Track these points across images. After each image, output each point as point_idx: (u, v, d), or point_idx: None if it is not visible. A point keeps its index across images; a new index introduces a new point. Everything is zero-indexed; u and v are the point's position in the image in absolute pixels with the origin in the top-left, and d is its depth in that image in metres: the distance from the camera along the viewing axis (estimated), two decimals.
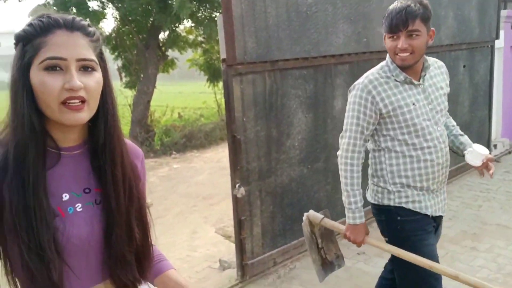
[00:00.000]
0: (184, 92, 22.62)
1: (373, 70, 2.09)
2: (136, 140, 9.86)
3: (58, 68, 0.95)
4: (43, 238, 0.94)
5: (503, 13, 6.07)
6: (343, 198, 2.12)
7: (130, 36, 11.15)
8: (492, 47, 5.76)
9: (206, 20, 9.95)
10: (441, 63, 2.22)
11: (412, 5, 1.90)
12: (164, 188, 6.59)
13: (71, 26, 0.98)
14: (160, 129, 10.30)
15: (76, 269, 1.01)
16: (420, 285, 2.05)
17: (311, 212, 2.32)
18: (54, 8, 9.72)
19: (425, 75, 2.05)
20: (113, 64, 11.65)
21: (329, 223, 2.25)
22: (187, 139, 9.53)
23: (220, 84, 10.07)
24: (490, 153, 2.15)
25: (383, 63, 2.09)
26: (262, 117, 3.35)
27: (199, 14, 10.10)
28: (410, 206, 2.04)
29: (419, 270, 1.95)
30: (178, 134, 9.68)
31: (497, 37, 5.75)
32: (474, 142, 2.17)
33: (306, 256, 3.72)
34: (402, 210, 2.04)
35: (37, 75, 0.95)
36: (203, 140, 9.62)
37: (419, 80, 2.04)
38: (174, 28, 11.01)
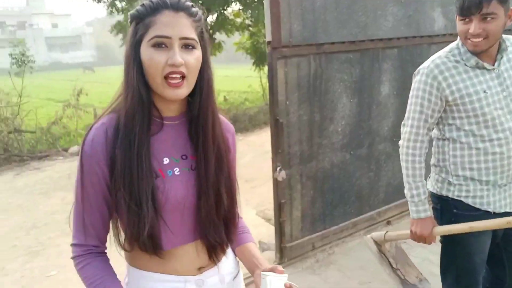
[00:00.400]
0: (230, 75, 22.79)
1: (441, 53, 1.91)
2: None
3: (163, 45, 1.05)
4: (142, 195, 1.07)
5: None
6: (405, 191, 1.99)
7: None
8: None
9: (255, 3, 9.93)
10: None
11: None
12: None
13: (176, 7, 1.07)
14: None
15: (171, 226, 1.13)
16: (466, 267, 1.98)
17: (373, 233, 2.27)
18: None
19: (502, 58, 1.84)
20: None
21: (393, 234, 2.16)
22: (232, 122, 9.53)
23: (266, 68, 10.05)
24: None
25: (452, 45, 1.90)
26: (306, 101, 3.32)
27: None
28: (469, 201, 1.91)
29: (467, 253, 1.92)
30: (225, 117, 9.78)
31: None
32: None
33: (345, 242, 3.71)
34: (460, 204, 1.92)
35: (146, 51, 1.06)
36: (247, 124, 9.69)
37: (493, 64, 1.84)
38: (222, 11, 11.06)
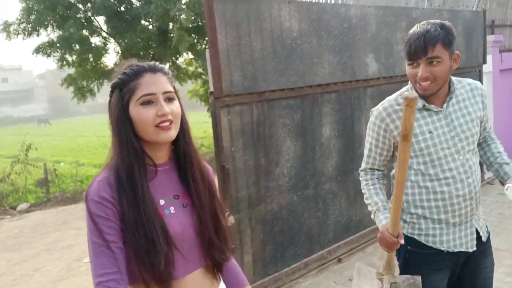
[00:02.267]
0: None
1: (392, 96, 1.99)
2: None
3: (151, 102, 1.26)
4: (153, 234, 1.22)
5: (490, 38, 6.24)
6: (368, 208, 2.04)
7: None
8: (480, 72, 5.88)
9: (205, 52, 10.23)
10: (476, 84, 2.00)
11: (432, 29, 1.75)
12: None
13: (154, 69, 1.30)
14: None
15: (178, 256, 1.28)
16: None
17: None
18: (58, 45, 10.05)
19: (450, 99, 1.89)
20: None
21: (384, 260, 2.01)
22: None
23: None
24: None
25: (403, 88, 1.99)
26: (251, 147, 3.44)
27: (198, 47, 10.38)
28: (422, 239, 1.92)
29: None
30: None
31: (484, 62, 5.88)
32: None
33: (298, 283, 3.74)
34: (414, 241, 1.94)
35: (135, 110, 1.26)
36: None
37: (442, 106, 1.89)
38: (174, 61, 11.30)
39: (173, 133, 1.29)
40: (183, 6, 8.57)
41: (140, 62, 1.31)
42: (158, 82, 1.27)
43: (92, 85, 11.32)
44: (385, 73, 4.49)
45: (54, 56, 10.45)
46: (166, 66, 1.37)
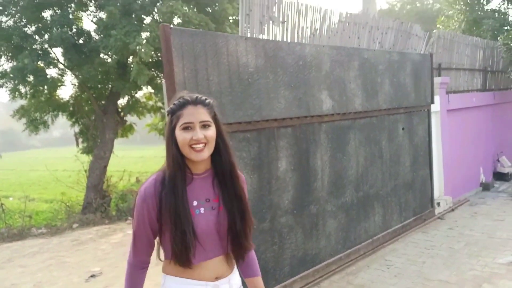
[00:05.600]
0: (146, 156, 22.51)
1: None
2: (90, 206, 9.63)
3: (190, 128, 1.64)
4: (184, 227, 1.61)
5: (437, 79, 6.62)
6: None
7: (89, 102, 11.23)
8: (429, 111, 6.20)
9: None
10: None
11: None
12: (116, 255, 6.39)
13: (195, 102, 1.66)
14: (116, 194, 10.12)
15: (204, 246, 1.68)
16: None
17: None
18: (11, 75, 9.77)
19: None
20: (70, 130, 11.62)
21: None
22: None
23: None
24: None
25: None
26: None
27: (158, 81, 10.37)
28: None
29: None
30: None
31: (432, 102, 6.21)
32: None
33: None
34: None
35: (178, 133, 1.65)
36: None
37: None
38: (133, 94, 11.21)
39: (205, 154, 1.65)
40: (143, 41, 8.59)
41: (187, 95, 1.67)
42: (197, 113, 1.63)
43: (46, 117, 11.00)
44: (339, 110, 4.64)
45: (6, 87, 10.13)
46: (211, 102, 1.70)
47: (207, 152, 1.65)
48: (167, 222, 1.63)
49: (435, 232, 5.64)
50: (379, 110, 5.22)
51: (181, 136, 1.63)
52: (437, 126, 6.66)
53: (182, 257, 1.63)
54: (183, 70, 3.28)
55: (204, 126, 1.64)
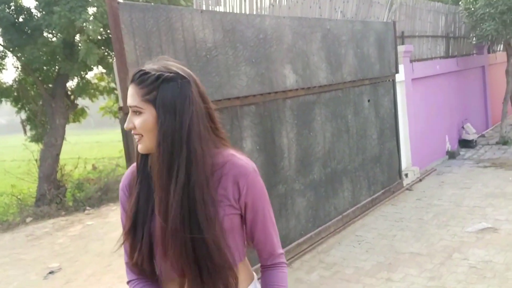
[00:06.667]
0: (102, 141, 21.72)
1: None
2: (44, 198, 9.08)
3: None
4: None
5: (401, 48, 6.49)
6: None
7: (34, 86, 10.49)
8: (394, 81, 6.10)
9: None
10: None
11: None
12: (75, 249, 6.04)
13: (132, 79, 1.23)
14: (72, 183, 9.60)
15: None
16: None
17: None
18: None
19: None
20: (16, 117, 10.87)
21: None
22: (103, 192, 8.96)
23: None
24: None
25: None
26: None
27: (109, 60, 9.79)
28: None
29: None
30: (93, 188, 9.08)
31: (397, 71, 6.11)
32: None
33: None
34: None
35: None
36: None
37: None
38: (83, 75, 10.56)
39: (141, 146, 1.25)
40: (90, 17, 7.99)
41: (145, 66, 1.24)
42: (130, 95, 1.22)
43: None
44: (303, 84, 4.43)
45: None
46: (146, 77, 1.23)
47: (143, 145, 1.24)
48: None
49: (404, 204, 5.63)
50: (344, 83, 5.05)
51: None
52: (402, 96, 6.59)
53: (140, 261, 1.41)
54: (135, 49, 2.97)
55: (135, 112, 1.22)
